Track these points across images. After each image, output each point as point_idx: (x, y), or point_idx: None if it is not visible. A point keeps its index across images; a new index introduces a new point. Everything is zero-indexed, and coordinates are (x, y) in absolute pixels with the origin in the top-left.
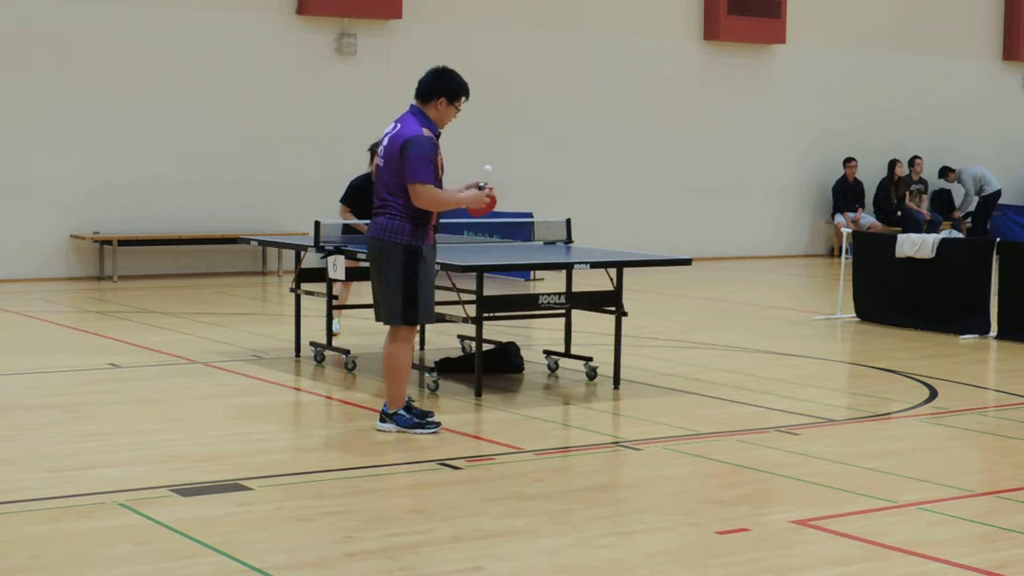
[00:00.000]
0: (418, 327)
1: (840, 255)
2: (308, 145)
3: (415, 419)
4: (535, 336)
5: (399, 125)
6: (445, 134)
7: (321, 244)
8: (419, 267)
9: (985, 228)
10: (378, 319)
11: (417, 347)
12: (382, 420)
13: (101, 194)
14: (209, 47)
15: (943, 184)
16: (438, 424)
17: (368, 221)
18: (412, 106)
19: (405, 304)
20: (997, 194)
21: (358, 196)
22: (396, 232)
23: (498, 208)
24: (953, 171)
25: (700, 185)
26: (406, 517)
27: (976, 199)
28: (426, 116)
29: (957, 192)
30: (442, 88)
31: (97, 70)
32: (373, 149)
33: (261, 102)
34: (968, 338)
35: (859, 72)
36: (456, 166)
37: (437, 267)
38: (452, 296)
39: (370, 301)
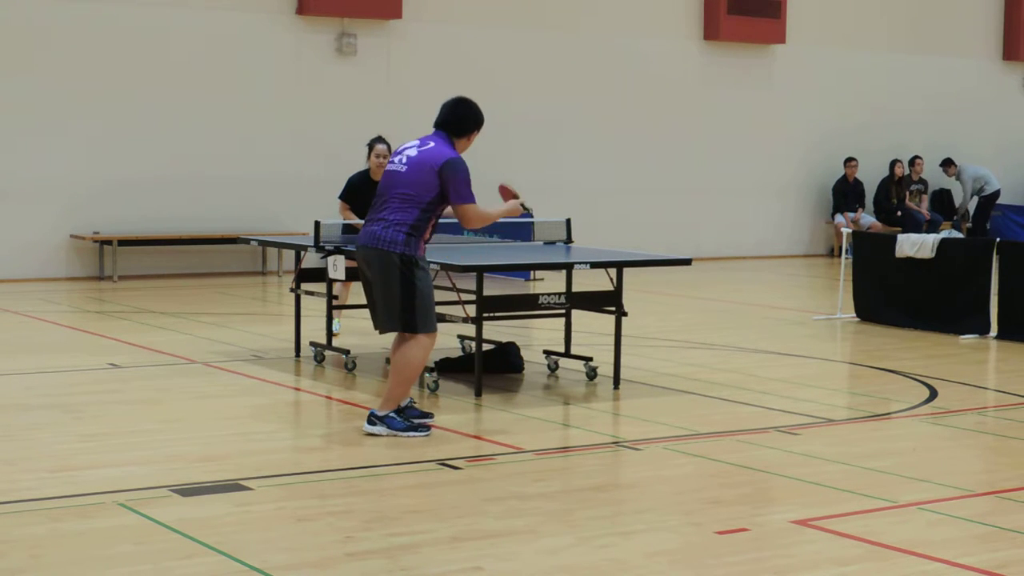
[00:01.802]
0: (436, 334)
1: (840, 255)
2: (308, 145)
3: (406, 422)
4: (535, 336)
5: (432, 143)
6: None
7: (321, 244)
8: (415, 275)
9: (985, 228)
10: (379, 327)
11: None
12: (370, 423)
13: (101, 194)
14: (209, 47)
15: (943, 177)
16: (428, 429)
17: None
18: (445, 134)
19: (405, 312)
20: (996, 194)
21: (357, 193)
22: (389, 242)
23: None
24: (955, 165)
25: (700, 185)
26: (406, 517)
27: (975, 199)
28: (453, 146)
29: (956, 190)
30: (476, 121)
31: (97, 70)
32: (371, 144)
33: (261, 102)
34: (968, 338)
35: (859, 72)
36: None
37: (436, 269)
38: (452, 296)
39: None
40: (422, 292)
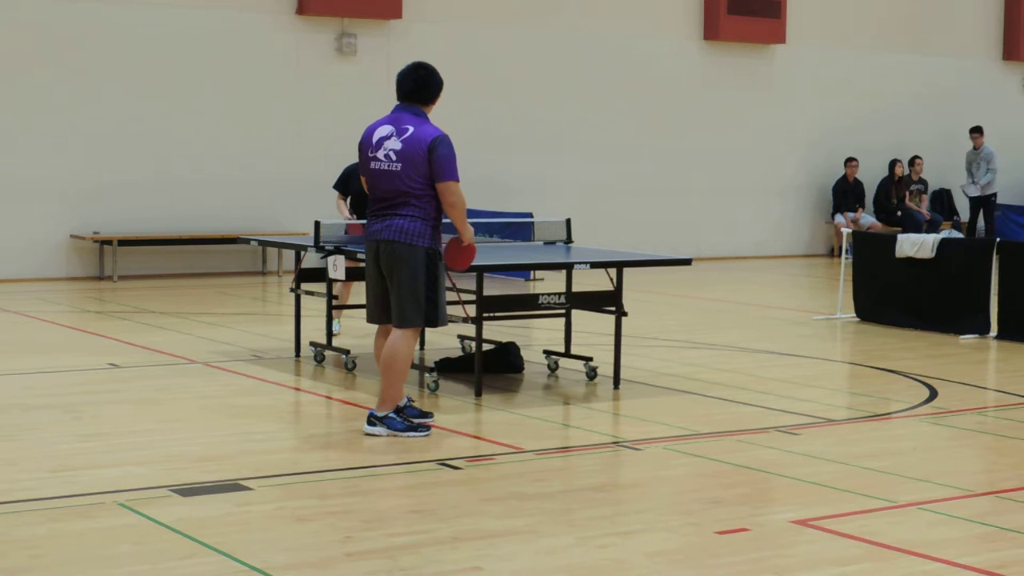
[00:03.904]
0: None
1: (840, 255)
2: (308, 145)
3: (405, 422)
4: (535, 336)
5: (410, 128)
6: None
7: (321, 244)
8: (439, 269)
9: (992, 228)
10: (373, 320)
11: (417, 347)
12: (370, 423)
13: (101, 194)
14: (209, 47)
15: (943, 177)
16: (428, 429)
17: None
18: (415, 108)
19: (428, 305)
20: (994, 196)
21: (352, 183)
22: (417, 235)
23: (498, 208)
24: (983, 135)
25: (700, 185)
26: (406, 517)
27: (993, 177)
28: (427, 117)
29: (955, 188)
30: (440, 82)
31: (97, 70)
32: None
33: (261, 102)
34: (968, 338)
35: (859, 72)
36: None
37: None
38: (452, 296)
39: None
40: (442, 286)
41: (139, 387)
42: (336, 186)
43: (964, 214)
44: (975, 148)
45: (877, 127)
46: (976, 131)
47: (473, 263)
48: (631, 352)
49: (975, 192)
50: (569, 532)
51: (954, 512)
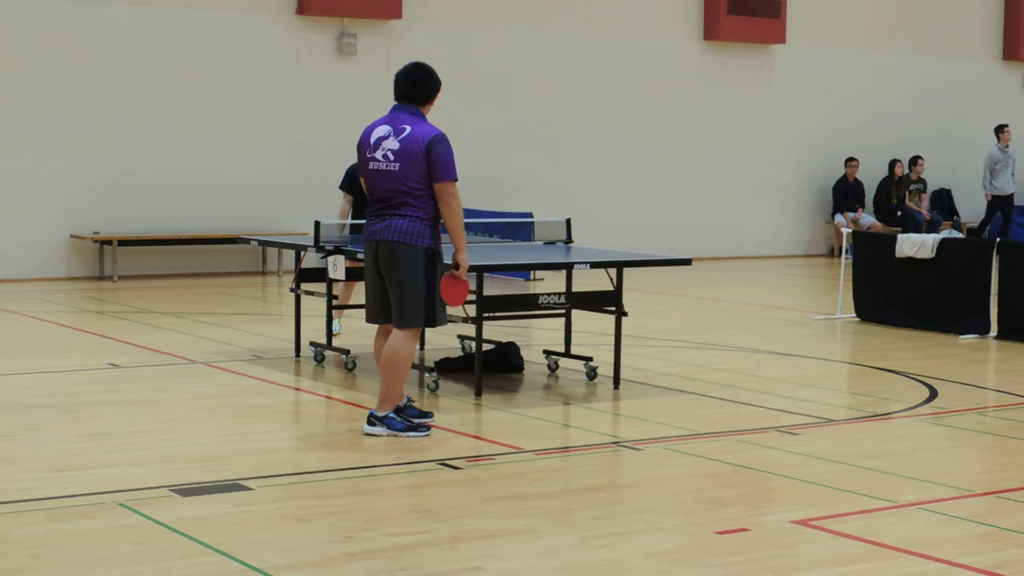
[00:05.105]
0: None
1: (840, 255)
2: (308, 145)
3: (405, 422)
4: (535, 336)
5: (407, 127)
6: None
7: (321, 244)
8: (437, 268)
9: (1005, 228)
10: (373, 321)
11: (417, 347)
12: (370, 423)
13: (101, 194)
14: (209, 47)
15: (943, 177)
16: (428, 429)
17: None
18: (412, 108)
19: (428, 305)
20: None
21: (358, 182)
22: (417, 235)
23: (498, 208)
24: (1008, 131)
25: (700, 185)
26: (406, 517)
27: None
28: (424, 118)
29: (956, 187)
30: (437, 83)
31: (97, 70)
32: None
33: (261, 102)
34: (968, 338)
35: (859, 72)
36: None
37: None
38: None
39: None
40: (439, 286)
41: (139, 387)
42: (342, 186)
43: (965, 214)
44: (1005, 147)
45: (877, 127)
46: (1005, 128)
47: (472, 263)
48: (631, 352)
49: (1010, 189)
50: (569, 532)
51: (954, 512)
